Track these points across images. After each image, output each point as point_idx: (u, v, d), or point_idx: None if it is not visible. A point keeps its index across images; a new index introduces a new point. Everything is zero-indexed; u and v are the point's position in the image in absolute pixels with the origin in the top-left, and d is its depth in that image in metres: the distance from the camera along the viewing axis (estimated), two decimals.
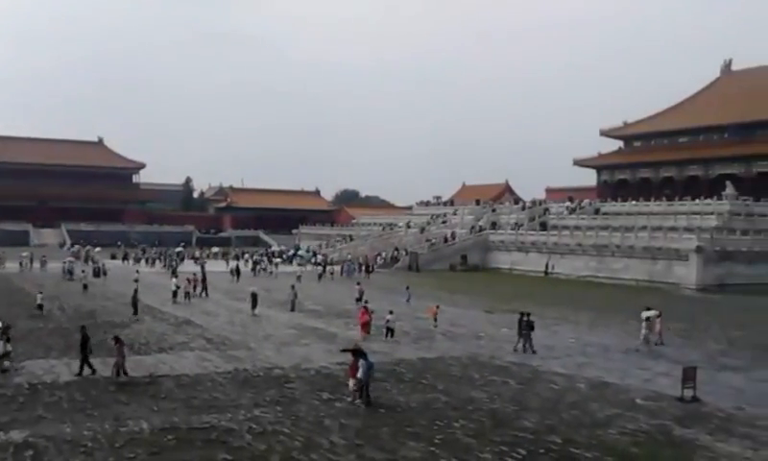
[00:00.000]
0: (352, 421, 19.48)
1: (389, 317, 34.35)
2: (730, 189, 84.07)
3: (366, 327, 34.37)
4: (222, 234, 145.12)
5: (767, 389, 25.14)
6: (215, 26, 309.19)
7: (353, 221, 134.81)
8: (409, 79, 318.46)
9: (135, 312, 39.57)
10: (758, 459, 17.20)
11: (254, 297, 42.36)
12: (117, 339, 24.70)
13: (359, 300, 44.97)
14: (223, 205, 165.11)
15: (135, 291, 41.97)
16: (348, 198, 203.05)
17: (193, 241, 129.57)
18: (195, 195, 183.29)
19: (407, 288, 50.27)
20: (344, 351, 24.97)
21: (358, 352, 21.75)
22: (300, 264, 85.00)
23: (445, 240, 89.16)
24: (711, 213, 75.47)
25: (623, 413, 21.08)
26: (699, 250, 63.38)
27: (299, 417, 19.76)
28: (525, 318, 31.34)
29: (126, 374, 23.92)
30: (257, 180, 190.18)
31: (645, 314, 33.89)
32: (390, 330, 34.03)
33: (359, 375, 21.13)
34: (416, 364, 27.76)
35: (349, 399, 21.35)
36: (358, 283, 53.01)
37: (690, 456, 17.29)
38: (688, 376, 22.93)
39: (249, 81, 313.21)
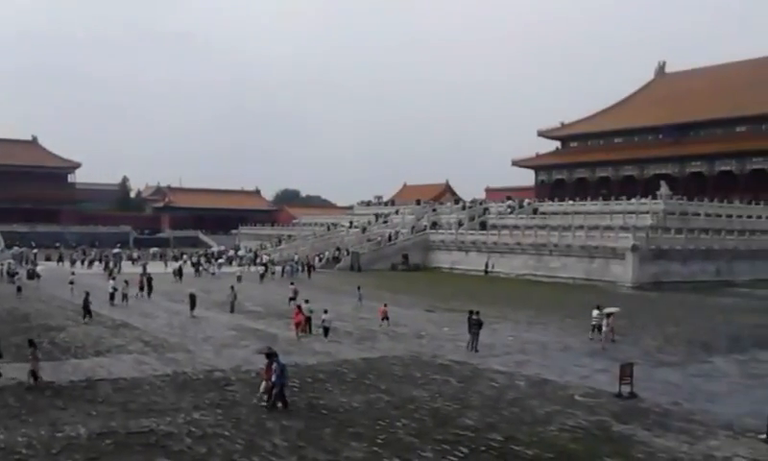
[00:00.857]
0: (294, 422, 19.36)
1: (324, 317, 34.51)
2: (664, 189, 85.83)
3: (300, 326, 34.35)
4: (160, 235, 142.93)
5: (702, 384, 25.74)
6: (151, 23, 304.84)
7: (294, 221, 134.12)
8: (349, 77, 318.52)
9: (89, 315, 38.62)
10: (695, 453, 17.55)
11: (193, 298, 41.85)
12: (31, 343, 24.05)
13: (293, 299, 44.99)
14: (160, 204, 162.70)
15: (87, 294, 40.90)
16: (289, 198, 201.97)
17: (130, 242, 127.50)
18: (132, 195, 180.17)
19: (359, 288, 50.27)
20: (258, 353, 24.66)
21: (272, 355, 21.40)
22: (240, 265, 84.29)
23: (389, 239, 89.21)
24: (647, 212, 76.88)
25: (562, 410, 21.35)
26: (635, 248, 64.56)
27: (239, 419, 19.57)
28: (474, 316, 31.62)
29: (36, 379, 23.16)
30: (196, 179, 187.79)
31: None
32: (326, 330, 34.14)
33: (273, 378, 20.77)
34: (358, 364, 27.74)
35: (263, 403, 20.89)
36: (292, 283, 52.88)
37: (628, 451, 17.57)
38: (625, 372, 23.32)
39: (186, 79, 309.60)
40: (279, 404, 20.69)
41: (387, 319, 38.04)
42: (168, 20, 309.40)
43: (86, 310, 38.82)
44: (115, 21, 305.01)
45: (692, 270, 68.61)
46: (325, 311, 34.89)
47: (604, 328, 33.47)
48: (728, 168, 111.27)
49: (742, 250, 72.54)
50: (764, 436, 18.53)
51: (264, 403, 20.87)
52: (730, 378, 26.99)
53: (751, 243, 73.80)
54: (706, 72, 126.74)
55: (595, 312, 35.89)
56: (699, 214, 79.50)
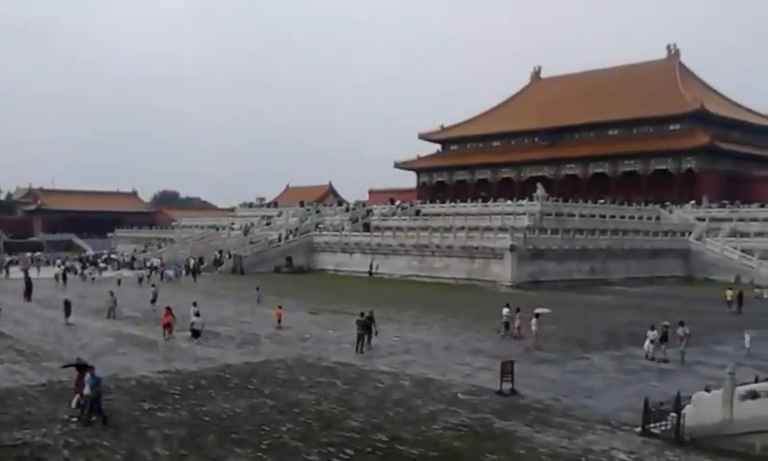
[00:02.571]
0: (176, 430, 18.90)
1: (194, 320, 34.49)
2: (540, 191, 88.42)
3: (168, 327, 34.33)
4: (32, 239, 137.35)
5: (580, 380, 26.58)
6: (18, 9, 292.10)
7: (173, 223, 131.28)
8: (228, 76, 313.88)
9: None
10: (574, 448, 18.10)
11: (68, 304, 40.33)
12: None
13: (153, 301, 45.24)
14: (32, 207, 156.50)
15: None
16: (168, 199, 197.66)
17: (0, 246, 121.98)
18: (2, 197, 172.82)
19: (257, 289, 50.28)
20: (65, 366, 23.22)
21: (83, 367, 20.45)
22: (117, 269, 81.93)
23: (279, 240, 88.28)
24: (524, 214, 79.00)
25: (446, 408, 21.64)
26: (513, 248, 66.13)
27: (119, 429, 18.95)
28: (361, 318, 31.79)
29: None
30: (70, 181, 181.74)
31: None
32: (195, 333, 34.06)
33: (85, 391, 19.69)
34: (241, 369, 27.35)
35: (75, 418, 19.75)
36: (153, 285, 52.08)
37: (510, 448, 17.95)
38: (506, 369, 23.85)
39: (54, 77, 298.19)
40: (94, 418, 19.48)
41: (280, 321, 38.20)
42: (37, 9, 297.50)
43: None
44: None
45: (568, 269, 70.91)
46: (197, 315, 34.81)
47: (534, 328, 34.13)
48: (601, 170, 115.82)
49: (615, 249, 75.42)
50: (639, 429, 19.27)
51: (76, 418, 19.70)
52: (606, 374, 27.97)
53: (623, 242, 76.82)
54: (579, 77, 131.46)
55: (505, 310, 37.42)
56: (574, 215, 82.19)
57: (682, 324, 31.28)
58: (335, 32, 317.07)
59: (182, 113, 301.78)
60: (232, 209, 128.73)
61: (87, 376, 19.80)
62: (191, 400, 22.15)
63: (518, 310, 37.25)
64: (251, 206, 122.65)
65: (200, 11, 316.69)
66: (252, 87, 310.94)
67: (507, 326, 36.93)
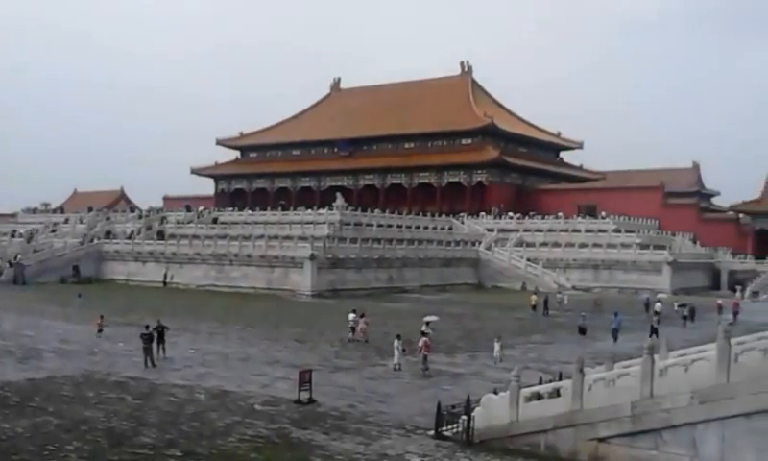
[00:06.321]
0: None
1: None
2: (340, 200, 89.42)
3: None
4: None
5: (377, 386, 26.95)
6: None
7: None
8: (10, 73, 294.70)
9: None
10: (370, 453, 18.27)
11: None
12: None
13: None
14: None
15: None
16: None
17: None
18: None
19: (79, 296, 49.34)
20: None
21: None
22: None
23: (65, 248, 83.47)
24: (323, 223, 79.67)
25: (243, 420, 21.27)
26: (312, 257, 66.41)
27: None
28: (146, 331, 30.66)
29: None
30: None
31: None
32: None
33: None
34: (23, 386, 25.57)
35: None
36: None
37: (307, 457, 17.86)
38: (304, 378, 23.78)
39: None
40: None
41: (101, 330, 37.18)
42: None
43: None
44: None
45: (367, 277, 72.20)
46: None
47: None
48: (398, 181, 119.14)
49: (411, 258, 77.77)
50: (433, 433, 19.73)
51: None
52: (401, 380, 28.51)
53: (419, 252, 79.19)
54: (377, 90, 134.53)
55: (351, 315, 38.65)
56: (372, 225, 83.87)
57: (424, 334, 31.62)
58: (133, 31, 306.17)
59: None
60: (14, 215, 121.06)
61: None
62: None
63: (363, 316, 38.57)
64: (34, 211, 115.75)
65: None
66: (37, 88, 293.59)
67: (353, 330, 37.91)
